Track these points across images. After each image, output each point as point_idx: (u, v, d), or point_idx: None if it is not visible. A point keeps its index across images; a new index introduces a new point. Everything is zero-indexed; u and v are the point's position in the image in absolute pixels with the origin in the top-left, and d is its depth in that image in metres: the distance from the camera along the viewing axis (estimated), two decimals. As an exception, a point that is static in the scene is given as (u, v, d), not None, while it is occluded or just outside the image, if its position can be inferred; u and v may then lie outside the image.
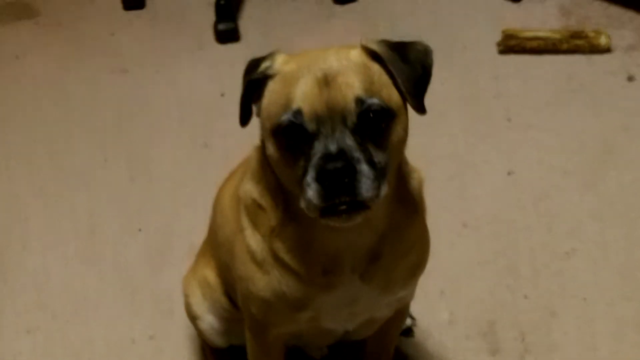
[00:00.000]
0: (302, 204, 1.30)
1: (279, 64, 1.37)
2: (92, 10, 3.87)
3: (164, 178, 2.77)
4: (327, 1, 3.75)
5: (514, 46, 3.22)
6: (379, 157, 1.30)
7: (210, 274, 1.88)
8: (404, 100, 1.36)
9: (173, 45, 3.54)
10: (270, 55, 1.40)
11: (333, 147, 1.26)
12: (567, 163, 2.65)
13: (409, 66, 1.36)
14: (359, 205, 1.28)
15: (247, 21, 3.66)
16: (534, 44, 3.21)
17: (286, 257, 1.46)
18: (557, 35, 3.20)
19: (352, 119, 1.28)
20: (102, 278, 2.41)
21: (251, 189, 1.50)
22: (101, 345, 2.20)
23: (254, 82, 1.38)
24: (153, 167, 2.82)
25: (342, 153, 1.26)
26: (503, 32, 3.24)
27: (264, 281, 1.50)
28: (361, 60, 1.34)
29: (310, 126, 1.28)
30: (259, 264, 1.49)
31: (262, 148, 1.43)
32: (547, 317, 2.14)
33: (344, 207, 1.27)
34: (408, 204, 1.50)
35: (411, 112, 1.38)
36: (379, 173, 1.29)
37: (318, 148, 1.27)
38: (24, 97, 3.28)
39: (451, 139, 2.80)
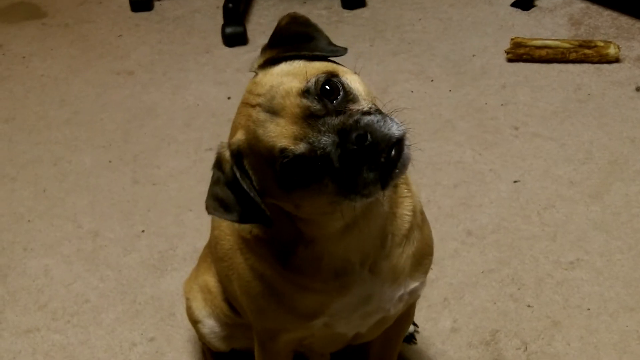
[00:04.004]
0: (355, 202, 1.25)
1: (237, 142, 1.31)
2: (100, 12, 3.89)
3: (168, 181, 2.76)
4: (336, 7, 3.76)
5: (522, 54, 3.22)
6: (364, 106, 1.27)
7: (210, 280, 1.87)
8: (326, 58, 1.36)
9: (180, 48, 3.54)
10: (220, 148, 1.34)
11: (331, 138, 1.22)
12: (573, 174, 2.64)
13: (299, 39, 1.37)
14: (399, 146, 1.23)
15: (255, 25, 3.67)
16: (543, 52, 3.20)
17: (298, 276, 1.44)
18: (566, 45, 3.19)
19: (315, 108, 1.25)
20: (103, 280, 2.40)
21: (248, 228, 1.47)
22: (101, 347, 2.19)
23: (239, 172, 1.30)
24: (157, 170, 2.82)
25: (342, 131, 1.22)
26: (512, 40, 3.24)
27: (275, 298, 1.49)
28: (271, 72, 1.33)
29: (301, 148, 1.23)
30: (267, 284, 1.48)
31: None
32: (550, 327, 2.12)
33: (392, 155, 1.22)
34: (397, 188, 1.48)
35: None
36: (380, 113, 1.26)
37: (327, 149, 1.22)
38: (30, 97, 3.28)
39: (458, 146, 2.79)
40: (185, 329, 2.17)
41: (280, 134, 1.25)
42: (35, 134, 3.06)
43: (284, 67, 1.33)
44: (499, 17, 3.58)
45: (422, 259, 1.57)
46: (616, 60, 3.16)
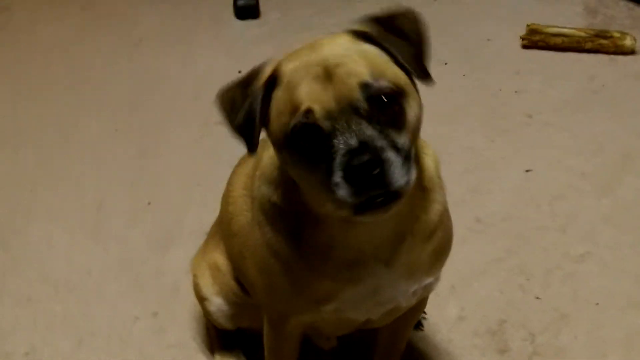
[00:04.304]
0: (329, 207, 1.24)
1: (278, 69, 1.29)
2: (111, -21, 3.83)
3: (176, 154, 2.73)
4: (352, -17, 3.70)
5: (537, 41, 3.18)
6: (401, 140, 1.23)
7: (220, 258, 1.84)
8: (410, 76, 1.28)
9: (191, 18, 3.50)
10: (267, 62, 1.31)
11: (354, 141, 1.19)
12: (585, 165, 2.61)
13: (404, 39, 1.28)
14: (393, 196, 1.22)
15: (268, -1, 3.62)
16: (558, 40, 3.16)
17: (311, 258, 1.41)
18: (581, 34, 3.15)
19: (363, 107, 1.21)
20: (107, 251, 2.37)
21: (269, 193, 1.44)
22: (103, 320, 2.16)
23: (263, 94, 1.28)
24: (165, 142, 2.79)
25: (364, 145, 1.19)
26: (528, 26, 3.20)
27: (288, 278, 1.45)
28: (354, 45, 1.27)
29: (325, 124, 1.21)
30: (282, 261, 1.45)
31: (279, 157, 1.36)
32: (558, 319, 2.10)
33: (379, 199, 1.21)
34: (424, 182, 1.44)
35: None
36: (405, 157, 1.22)
37: (338, 146, 1.20)
38: (36, 62, 3.24)
39: (470, 131, 2.76)
40: (189, 306, 2.14)
41: (318, 99, 1.22)
42: (40, 100, 3.03)
43: (369, 48, 1.28)
44: (515, 2, 3.54)
45: (441, 256, 1.54)
46: (632, 52, 3.12)
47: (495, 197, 2.49)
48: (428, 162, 1.45)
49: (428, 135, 1.39)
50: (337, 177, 1.20)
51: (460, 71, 3.07)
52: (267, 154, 1.45)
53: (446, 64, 3.10)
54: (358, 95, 1.21)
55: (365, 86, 1.22)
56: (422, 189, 1.43)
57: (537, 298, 2.16)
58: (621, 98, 2.92)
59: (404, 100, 1.25)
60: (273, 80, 1.28)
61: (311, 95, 1.22)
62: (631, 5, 3.43)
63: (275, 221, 1.44)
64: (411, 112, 1.26)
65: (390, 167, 1.20)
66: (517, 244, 2.32)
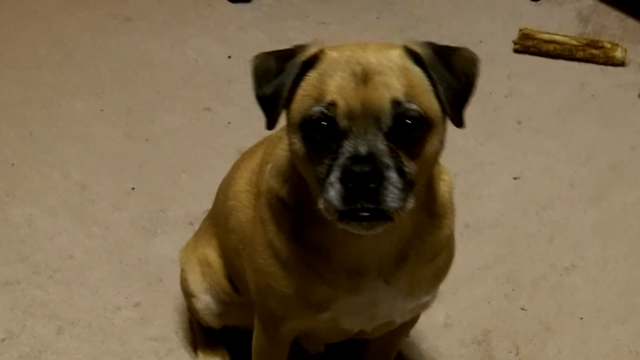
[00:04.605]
0: (321, 204, 1.23)
1: (321, 52, 1.29)
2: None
3: (162, 138, 2.68)
4: (344, -27, 3.65)
5: (530, 47, 3.17)
6: (410, 166, 1.23)
7: (211, 254, 1.81)
8: (443, 109, 1.27)
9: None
10: (312, 43, 1.31)
11: (363, 149, 1.19)
12: (574, 175, 2.61)
13: (453, 74, 1.27)
14: (381, 215, 1.21)
15: (260, -17, 3.56)
16: (551, 47, 3.15)
17: (312, 259, 1.39)
18: (573, 42, 3.15)
19: (387, 122, 1.21)
20: (89, 236, 2.32)
21: (277, 187, 1.42)
22: (84, 307, 2.12)
23: (298, 72, 1.28)
24: (152, 125, 2.73)
25: (371, 156, 1.19)
26: (521, 30, 3.19)
27: (287, 280, 1.43)
28: (402, 62, 1.26)
29: (343, 122, 1.21)
30: (282, 262, 1.42)
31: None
32: (543, 331, 2.10)
33: (365, 214, 1.20)
34: (436, 208, 1.44)
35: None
36: (407, 184, 1.22)
37: (347, 147, 1.20)
38: (21, 34, 3.15)
39: (460, 134, 2.71)
40: (173, 297, 2.11)
41: (346, 95, 1.22)
42: (24, 74, 2.95)
43: (415, 69, 1.26)
44: (508, 4, 3.52)
45: (441, 274, 1.54)
46: (622, 63, 3.12)
47: (484, 202, 2.49)
48: (443, 188, 1.45)
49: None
50: (334, 176, 1.20)
51: None
52: (282, 146, 1.43)
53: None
54: (386, 108, 1.20)
55: (395, 103, 1.21)
56: (432, 214, 1.43)
57: (523, 309, 2.16)
58: (610, 108, 2.93)
59: (428, 131, 1.24)
60: (312, 62, 1.28)
61: (341, 89, 1.22)
62: (622, 15, 3.43)
63: (280, 218, 1.42)
64: (430, 145, 1.25)
65: (387, 187, 1.19)
66: (505, 252, 2.32)
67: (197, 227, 2.03)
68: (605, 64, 3.13)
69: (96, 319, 2.09)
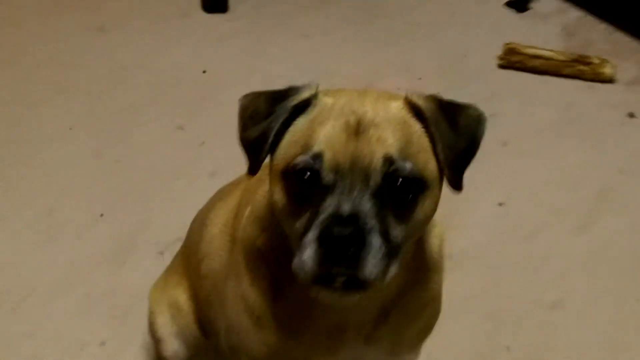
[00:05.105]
0: (295, 263, 1.13)
1: (314, 97, 1.20)
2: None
3: (134, 159, 2.57)
4: (321, -17, 3.55)
5: (515, 62, 3.08)
6: (396, 231, 1.13)
7: (182, 296, 1.71)
8: (441, 170, 1.18)
9: (156, 8, 3.31)
10: (306, 86, 1.21)
11: (346, 208, 1.09)
12: (560, 200, 2.53)
13: (456, 132, 1.18)
14: (358, 284, 1.11)
15: (237, -7, 3.45)
16: (537, 63, 3.07)
17: (288, 317, 1.30)
18: (561, 57, 3.06)
19: (376, 180, 1.11)
20: (55, 266, 2.21)
21: (255, 235, 1.32)
22: (47, 343, 2.01)
23: (288, 116, 1.19)
24: (122, 144, 2.62)
25: (354, 218, 1.09)
26: (506, 45, 3.10)
27: (260, 338, 1.34)
28: (401, 115, 1.17)
29: (328, 176, 1.12)
30: (256, 318, 1.33)
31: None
32: (527, 373, 2.02)
33: (341, 279, 1.11)
34: (424, 263, 1.35)
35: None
36: (392, 250, 1.12)
37: (329, 204, 1.10)
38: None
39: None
40: (141, 332, 2.01)
41: (335, 147, 1.12)
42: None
43: (415, 125, 1.17)
44: (492, 16, 3.44)
45: (426, 332, 1.45)
46: (610, 80, 3.04)
47: (467, 231, 2.39)
48: (432, 241, 1.36)
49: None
50: (312, 235, 1.10)
51: (434, 88, 2.91)
52: (263, 189, 1.34)
53: (420, 78, 2.99)
54: (377, 164, 1.11)
55: (388, 160, 1.12)
56: (419, 270, 1.33)
57: (507, 349, 2.07)
58: (598, 129, 2.84)
59: (421, 193, 1.15)
60: (304, 106, 1.19)
61: (330, 140, 1.13)
62: (611, 29, 3.35)
63: (256, 270, 1.33)
64: (422, 209, 1.16)
65: (368, 254, 1.09)
66: (488, 284, 2.24)
67: (167, 257, 1.95)
68: (593, 80, 3.05)
69: (60, 357, 1.99)
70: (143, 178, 2.49)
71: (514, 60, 3.08)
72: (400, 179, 1.12)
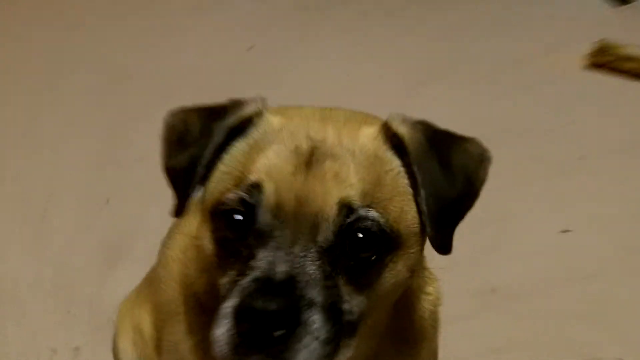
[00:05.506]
0: (212, 336, 0.88)
1: (257, 115, 0.94)
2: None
3: (133, 165, 2.40)
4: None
5: (605, 63, 2.76)
6: (352, 303, 0.87)
7: (145, 319, 1.50)
8: (422, 225, 0.90)
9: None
10: (251, 100, 0.96)
11: (281, 269, 0.84)
12: (631, 233, 2.16)
13: (447, 174, 0.90)
14: None
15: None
16: (630, 65, 2.72)
17: None
18: (660, 61, 2.68)
19: (327, 233, 0.85)
20: (41, 266, 2.07)
21: (193, 277, 1.11)
22: (16, 348, 1.88)
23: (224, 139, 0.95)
24: (124, 150, 2.47)
25: (290, 284, 0.83)
26: (598, 42, 2.76)
27: None
28: (373, 147, 0.90)
29: (264, 218, 0.86)
30: None
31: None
32: None
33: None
34: (410, 333, 1.08)
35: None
36: (342, 330, 0.86)
37: (262, 260, 0.85)
38: None
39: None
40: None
41: (278, 179, 0.87)
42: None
43: (390, 161, 0.91)
44: (586, 7, 3.10)
45: None
46: None
47: (516, 262, 2.07)
48: (425, 307, 1.09)
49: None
50: (230, 303, 0.86)
51: (500, 88, 2.67)
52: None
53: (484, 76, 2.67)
54: (330, 211, 0.85)
55: (346, 207, 0.85)
56: (404, 341, 1.07)
57: None
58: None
59: (389, 255, 0.88)
60: (245, 126, 0.94)
61: (272, 170, 0.87)
62: None
63: (193, 316, 1.10)
64: (389, 274, 0.88)
65: (302, 338, 0.83)
66: (533, 334, 1.88)
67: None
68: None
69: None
70: (142, 184, 2.31)
71: (603, 60, 2.76)
72: (360, 234, 0.85)
